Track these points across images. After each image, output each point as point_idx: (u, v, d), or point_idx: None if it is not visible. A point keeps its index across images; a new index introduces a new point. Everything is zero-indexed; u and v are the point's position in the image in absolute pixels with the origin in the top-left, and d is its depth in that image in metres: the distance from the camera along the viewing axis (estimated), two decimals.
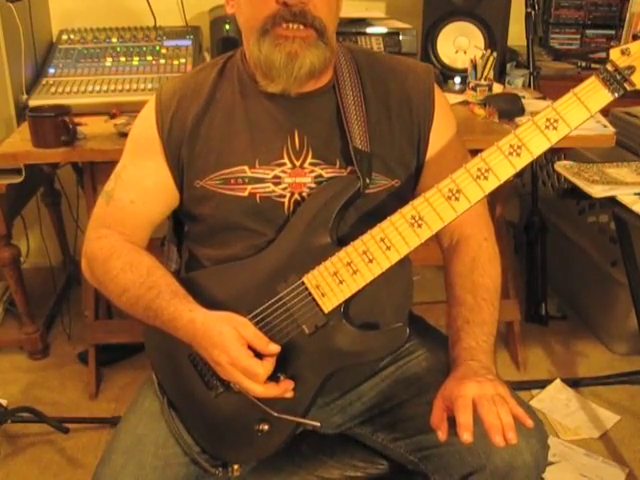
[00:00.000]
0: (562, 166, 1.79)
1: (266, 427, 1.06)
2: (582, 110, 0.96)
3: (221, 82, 1.15)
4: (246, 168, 1.11)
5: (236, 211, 1.11)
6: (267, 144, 1.11)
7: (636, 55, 0.95)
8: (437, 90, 1.18)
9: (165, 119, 1.14)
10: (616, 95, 0.96)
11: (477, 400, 0.93)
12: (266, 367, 0.98)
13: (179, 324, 1.02)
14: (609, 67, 0.96)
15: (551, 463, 1.81)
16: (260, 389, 0.99)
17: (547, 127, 0.96)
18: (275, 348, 1.00)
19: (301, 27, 1.03)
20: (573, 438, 1.94)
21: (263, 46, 1.04)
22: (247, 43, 1.09)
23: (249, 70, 1.13)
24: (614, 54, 0.96)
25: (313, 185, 1.10)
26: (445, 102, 1.20)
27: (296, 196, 1.11)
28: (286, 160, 1.11)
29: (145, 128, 1.16)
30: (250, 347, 0.99)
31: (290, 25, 1.02)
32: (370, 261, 1.01)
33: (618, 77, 0.95)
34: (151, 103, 1.17)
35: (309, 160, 1.11)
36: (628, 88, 0.96)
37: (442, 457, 1.08)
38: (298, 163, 1.11)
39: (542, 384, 2.15)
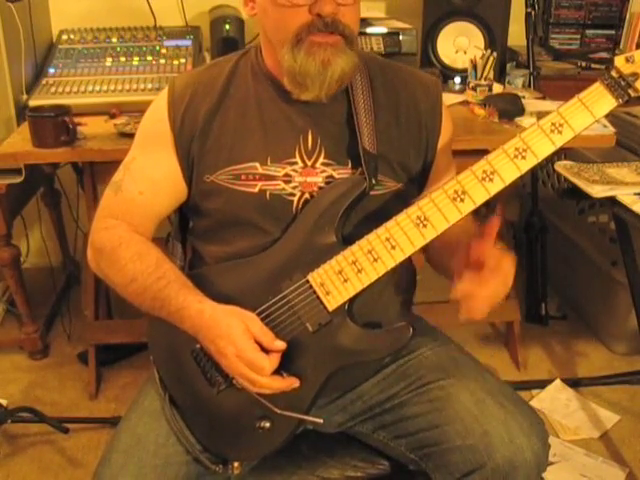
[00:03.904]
0: (562, 166, 1.79)
1: (267, 424, 1.06)
2: (587, 115, 0.97)
3: (235, 78, 1.16)
4: (257, 165, 1.11)
5: (245, 207, 1.12)
6: (280, 142, 1.12)
7: None
8: (443, 103, 1.21)
9: (177, 112, 1.14)
10: (620, 101, 0.97)
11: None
12: (272, 362, 0.99)
13: (186, 314, 1.02)
14: (614, 74, 0.97)
15: (551, 463, 1.81)
16: (265, 380, 0.99)
17: (552, 131, 0.98)
18: (281, 345, 1.00)
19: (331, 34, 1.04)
20: (573, 438, 1.94)
21: (298, 56, 1.04)
22: (275, 50, 1.09)
23: (265, 69, 1.14)
24: (619, 61, 0.98)
25: (324, 185, 1.11)
26: (448, 114, 1.22)
27: (306, 195, 1.11)
28: (298, 159, 1.12)
29: (156, 120, 1.16)
30: (256, 342, 0.99)
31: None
32: (375, 260, 1.01)
33: (622, 83, 0.97)
34: (163, 95, 1.16)
35: (321, 160, 1.12)
36: (632, 94, 0.97)
37: (443, 455, 1.08)
38: (310, 163, 1.12)
39: (542, 384, 2.15)
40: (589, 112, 0.97)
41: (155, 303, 1.06)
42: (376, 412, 1.18)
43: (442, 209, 1.00)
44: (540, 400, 2.09)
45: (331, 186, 1.10)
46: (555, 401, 2.09)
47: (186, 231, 1.26)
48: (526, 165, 0.98)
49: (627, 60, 0.97)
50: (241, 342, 0.98)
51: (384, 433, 1.17)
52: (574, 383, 2.16)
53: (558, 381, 2.16)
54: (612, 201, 1.61)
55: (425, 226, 1.00)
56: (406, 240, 1.01)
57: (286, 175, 1.11)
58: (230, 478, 1.14)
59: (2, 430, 1.93)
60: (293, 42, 1.04)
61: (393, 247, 1.01)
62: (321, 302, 1.03)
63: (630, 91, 0.97)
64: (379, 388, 1.18)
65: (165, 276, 1.06)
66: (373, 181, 1.08)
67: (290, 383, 1.02)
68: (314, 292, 1.03)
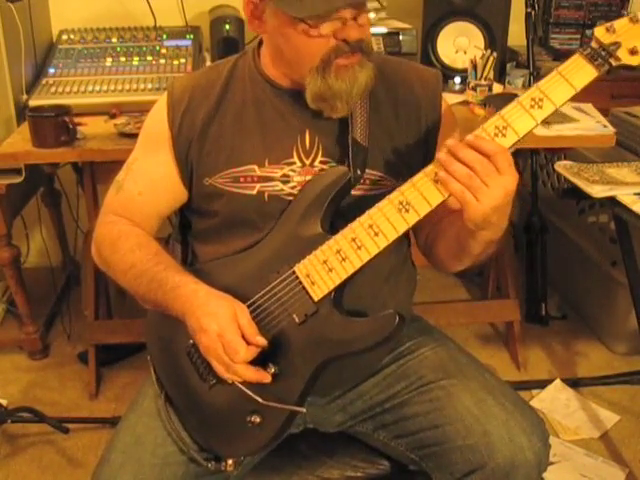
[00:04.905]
0: (562, 166, 1.79)
1: (257, 419, 1.07)
2: (567, 87, 0.96)
3: (233, 81, 1.16)
4: (255, 167, 1.12)
5: (245, 208, 1.12)
6: (277, 143, 1.13)
7: (621, 32, 0.96)
8: (443, 96, 1.20)
9: (176, 115, 1.15)
10: (601, 70, 0.96)
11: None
12: (247, 352, 0.99)
13: (180, 292, 1.03)
14: (593, 44, 0.96)
15: (551, 463, 1.80)
16: (237, 366, 0.99)
17: (532, 106, 0.96)
18: (262, 341, 1.01)
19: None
20: (573, 438, 1.94)
21: (329, 79, 1.04)
22: (287, 67, 1.09)
23: (262, 71, 1.14)
24: (598, 32, 0.97)
25: None
26: (448, 105, 1.22)
27: None
28: (295, 159, 1.12)
29: (156, 122, 1.17)
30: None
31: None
32: (359, 248, 1.01)
33: (603, 53, 0.95)
34: (163, 97, 1.18)
35: (319, 159, 1.12)
36: (614, 63, 0.96)
37: (443, 455, 1.08)
38: (308, 162, 1.12)
39: (542, 384, 2.15)
40: (569, 84, 0.96)
41: (151, 285, 1.07)
42: (376, 412, 1.18)
43: (424, 192, 0.99)
44: (540, 400, 2.09)
45: (315, 178, 1.11)
46: (555, 401, 2.09)
47: (187, 232, 1.27)
48: (507, 142, 0.97)
49: (607, 30, 0.96)
50: (225, 323, 0.99)
51: (384, 433, 1.17)
52: (574, 383, 2.16)
53: (558, 381, 2.16)
54: (612, 201, 1.61)
55: (407, 211, 1.00)
56: (389, 226, 1.00)
57: (284, 176, 1.11)
58: (229, 478, 1.14)
59: (2, 430, 1.93)
60: (321, 67, 1.04)
61: (376, 234, 1.01)
62: (307, 293, 1.04)
63: (611, 60, 0.95)
64: (379, 388, 1.18)
65: (164, 261, 1.09)
66: (359, 172, 1.08)
67: (262, 377, 1.02)
68: (300, 283, 1.04)
